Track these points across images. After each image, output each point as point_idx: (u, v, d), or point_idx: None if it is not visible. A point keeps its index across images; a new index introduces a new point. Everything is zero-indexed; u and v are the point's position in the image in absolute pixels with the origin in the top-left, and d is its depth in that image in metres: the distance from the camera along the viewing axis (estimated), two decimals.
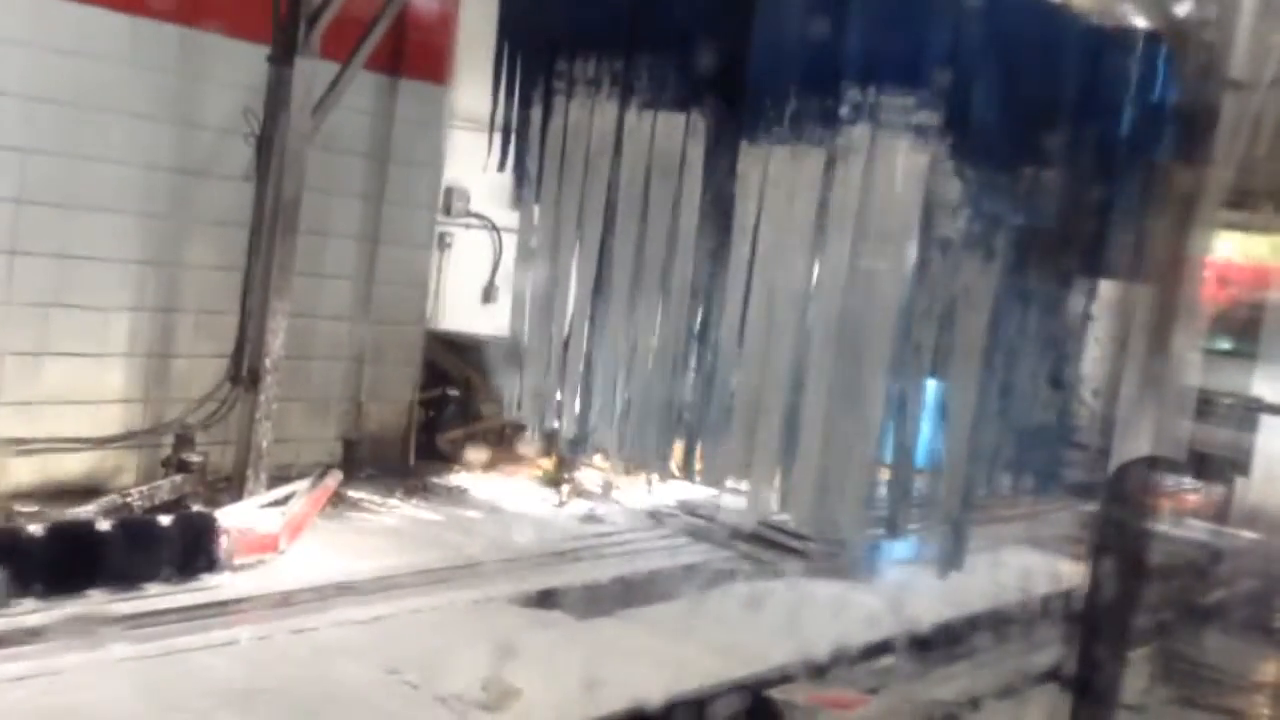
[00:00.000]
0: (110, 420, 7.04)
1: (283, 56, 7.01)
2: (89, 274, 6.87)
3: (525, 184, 7.04)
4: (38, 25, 6.46)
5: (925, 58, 5.51)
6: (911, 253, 5.66)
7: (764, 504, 6.36)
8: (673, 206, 6.38)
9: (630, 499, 8.28)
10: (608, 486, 8.37)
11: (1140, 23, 4.22)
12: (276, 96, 7.03)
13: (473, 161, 8.02)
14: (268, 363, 6.96)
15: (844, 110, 5.74)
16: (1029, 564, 7.04)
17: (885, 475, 5.98)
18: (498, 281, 9.75)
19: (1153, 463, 4.70)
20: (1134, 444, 4.67)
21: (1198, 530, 8.46)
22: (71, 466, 6.84)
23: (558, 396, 6.82)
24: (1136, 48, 5.13)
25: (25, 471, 6.64)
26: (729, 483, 6.44)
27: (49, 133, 6.58)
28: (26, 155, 6.53)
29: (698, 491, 7.96)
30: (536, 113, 6.99)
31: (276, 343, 6.99)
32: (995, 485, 6.06)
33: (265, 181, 7.05)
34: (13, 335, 6.59)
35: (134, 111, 6.95)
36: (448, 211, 9.82)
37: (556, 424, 6.90)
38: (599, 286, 6.67)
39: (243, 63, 7.20)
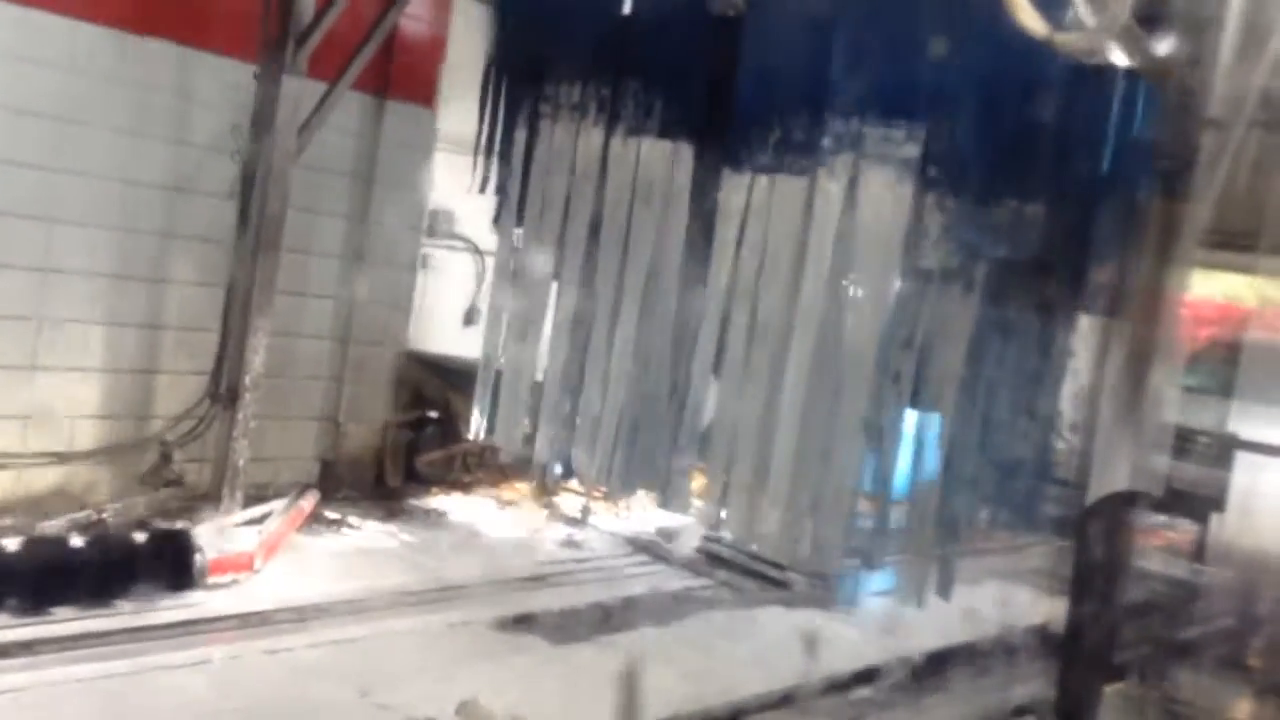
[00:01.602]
0: (87, 435, 6.98)
1: (270, 75, 7.02)
2: (69, 288, 6.84)
3: (507, 207, 7.07)
4: (21, 38, 6.46)
5: (909, 91, 5.56)
6: (892, 283, 5.69)
7: (742, 531, 6.36)
8: (655, 233, 6.41)
9: (609, 524, 8.27)
10: (586, 511, 8.35)
11: (1121, 61, 4.27)
12: (263, 115, 7.04)
13: (457, 184, 8.06)
14: (247, 380, 6.94)
15: (827, 140, 5.80)
16: (1006, 597, 7.05)
17: (864, 506, 5.99)
18: (479, 305, 9.73)
19: (1129, 498, 4.72)
20: (1111, 479, 4.69)
21: (1174, 566, 8.50)
22: (47, 481, 6.78)
23: (531, 421, 6.81)
24: (1117, 86, 5.19)
25: (3, 485, 6.59)
26: (706, 510, 6.42)
27: (31, 146, 6.57)
28: (7, 167, 6.52)
29: (676, 519, 7.97)
30: (521, 136, 7.03)
31: (257, 361, 6.97)
32: (973, 518, 6.07)
33: (249, 199, 7.05)
34: None
35: (118, 127, 6.94)
36: (431, 233, 9.82)
37: (530, 448, 6.89)
38: (578, 311, 6.68)
39: (230, 80, 7.21)
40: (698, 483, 6.52)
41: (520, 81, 7.03)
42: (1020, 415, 5.98)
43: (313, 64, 7.08)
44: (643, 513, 8.19)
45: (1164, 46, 4.07)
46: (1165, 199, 4.05)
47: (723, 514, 6.26)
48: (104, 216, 6.94)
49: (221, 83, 7.25)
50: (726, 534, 6.49)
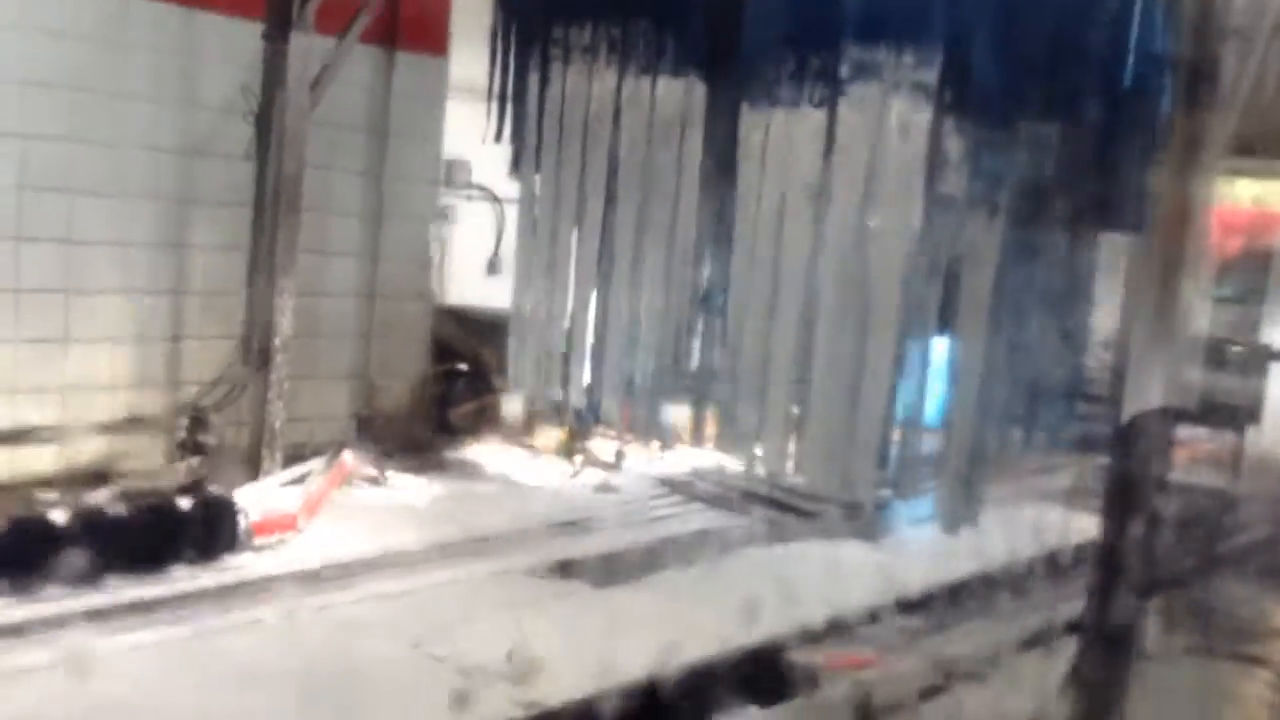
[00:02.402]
0: (124, 405, 7.08)
1: (278, 33, 6.97)
2: (94, 258, 6.89)
3: (524, 154, 7.02)
4: (29, 7, 6.44)
5: (922, 14, 5.46)
6: (915, 211, 5.63)
7: (776, 466, 6.38)
8: (674, 172, 6.36)
9: (643, 467, 8.32)
10: (620, 455, 8.40)
11: None
12: (273, 74, 7.01)
13: (473, 132, 8.00)
14: (277, 342, 6.99)
15: (843, 69, 5.70)
16: (1044, 519, 7.06)
17: (897, 435, 5.99)
18: (502, 253, 9.73)
19: (1163, 413, 4.70)
20: (1144, 395, 4.66)
21: (1211, 479, 8.48)
22: (88, 453, 6.88)
23: (563, 368, 6.83)
24: (1128, 5, 5.09)
25: (43, 459, 6.69)
26: (741, 447, 6.44)
27: (46, 117, 6.58)
28: (26, 141, 6.53)
29: (710, 458, 8.01)
30: (534, 81, 6.94)
31: (285, 322, 7.01)
32: (1007, 442, 6.07)
33: (266, 160, 7.04)
34: (23, 323, 6.62)
35: (130, 93, 6.94)
36: (449, 183, 9.79)
37: (563, 396, 6.91)
38: (602, 255, 6.66)
39: (238, 40, 7.17)
40: (722, 421, 6.51)
41: (529, 26, 6.93)
42: (1050, 336, 5.95)
43: (319, 19, 7.01)
44: (675, 454, 8.22)
45: None
46: (1187, 111, 3.97)
47: (756, 450, 6.28)
48: (123, 185, 6.97)
49: (229, 43, 7.22)
50: (760, 470, 6.51)
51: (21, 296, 6.60)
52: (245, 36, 7.10)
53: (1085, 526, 5.58)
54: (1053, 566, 6.48)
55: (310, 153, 7.13)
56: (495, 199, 9.86)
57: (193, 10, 7.14)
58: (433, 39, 8.53)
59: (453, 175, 9.82)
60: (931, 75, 5.50)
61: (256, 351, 7.00)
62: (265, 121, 7.04)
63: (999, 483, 6.27)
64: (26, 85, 6.49)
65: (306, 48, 7.00)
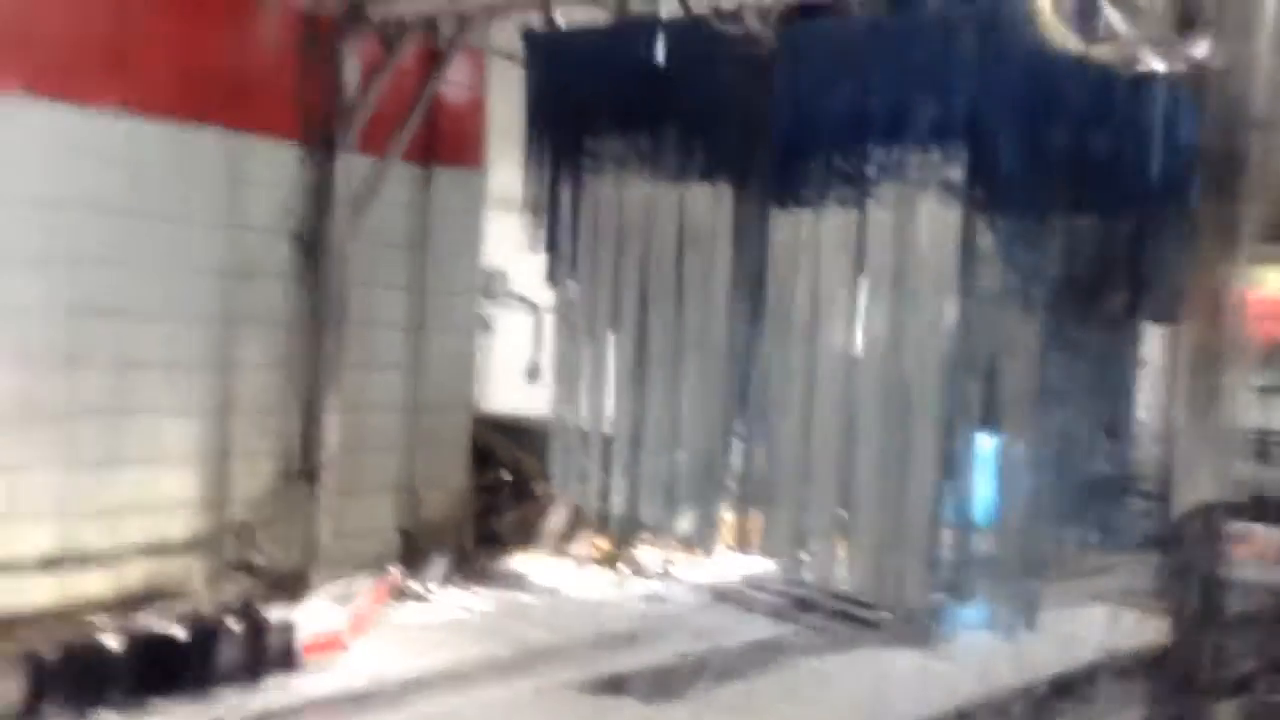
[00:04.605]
0: (174, 525, 7.14)
1: (321, 155, 7.20)
2: (144, 380, 7.01)
3: (560, 262, 7.11)
4: (82, 137, 6.66)
5: (948, 113, 5.49)
6: (950, 307, 5.60)
7: (825, 573, 6.26)
8: (706, 276, 6.40)
9: (691, 575, 8.20)
10: (667, 564, 8.30)
11: (1158, 68, 4.21)
12: (317, 194, 7.22)
13: (511, 243, 8.14)
14: (324, 457, 7.06)
15: (870, 170, 5.74)
16: (1103, 619, 6.85)
17: (947, 536, 5.87)
18: (541, 360, 9.82)
19: (1216, 508, 4.60)
20: (1194, 488, 4.57)
21: (1269, 575, 8.20)
22: (139, 574, 6.93)
23: (603, 475, 6.80)
24: (1158, 94, 5.09)
25: (94, 582, 6.74)
26: (786, 553, 6.34)
27: (99, 243, 6.76)
28: (77, 266, 6.70)
29: (759, 564, 7.89)
30: (567, 192, 7.07)
31: (331, 437, 7.10)
32: (1060, 541, 5.93)
33: (311, 278, 7.21)
34: (75, 446, 6.73)
35: (179, 217, 7.11)
36: (488, 294, 9.94)
37: (604, 503, 6.88)
38: (639, 359, 6.68)
39: (282, 163, 7.38)
40: (767, 526, 6.44)
41: (560, 139, 7.08)
42: (1096, 430, 5.85)
43: (361, 140, 7.23)
44: (723, 561, 8.12)
45: (1201, 51, 4.00)
46: (1215, 201, 3.96)
47: (803, 557, 6.18)
48: (171, 307, 7.12)
49: (271, 165, 7.42)
50: (809, 577, 6.40)
51: (73, 420, 6.73)
52: (288, 159, 7.33)
53: (1145, 626, 5.40)
54: (1113, 670, 6.26)
55: (353, 269, 7.28)
56: (534, 307, 9.99)
57: (238, 135, 7.34)
58: (470, 154, 8.73)
59: (492, 285, 9.99)
60: (958, 172, 5.51)
61: (303, 467, 7.07)
62: (309, 241, 7.23)
63: (1055, 583, 6.09)
64: (77, 211, 6.69)
65: (348, 168, 7.22)
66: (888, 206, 5.72)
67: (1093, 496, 5.82)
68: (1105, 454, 5.79)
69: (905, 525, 5.68)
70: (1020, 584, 5.61)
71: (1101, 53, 4.08)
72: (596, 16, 7.06)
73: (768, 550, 6.45)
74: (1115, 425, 5.80)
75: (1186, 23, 4.09)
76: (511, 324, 10.37)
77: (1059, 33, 3.95)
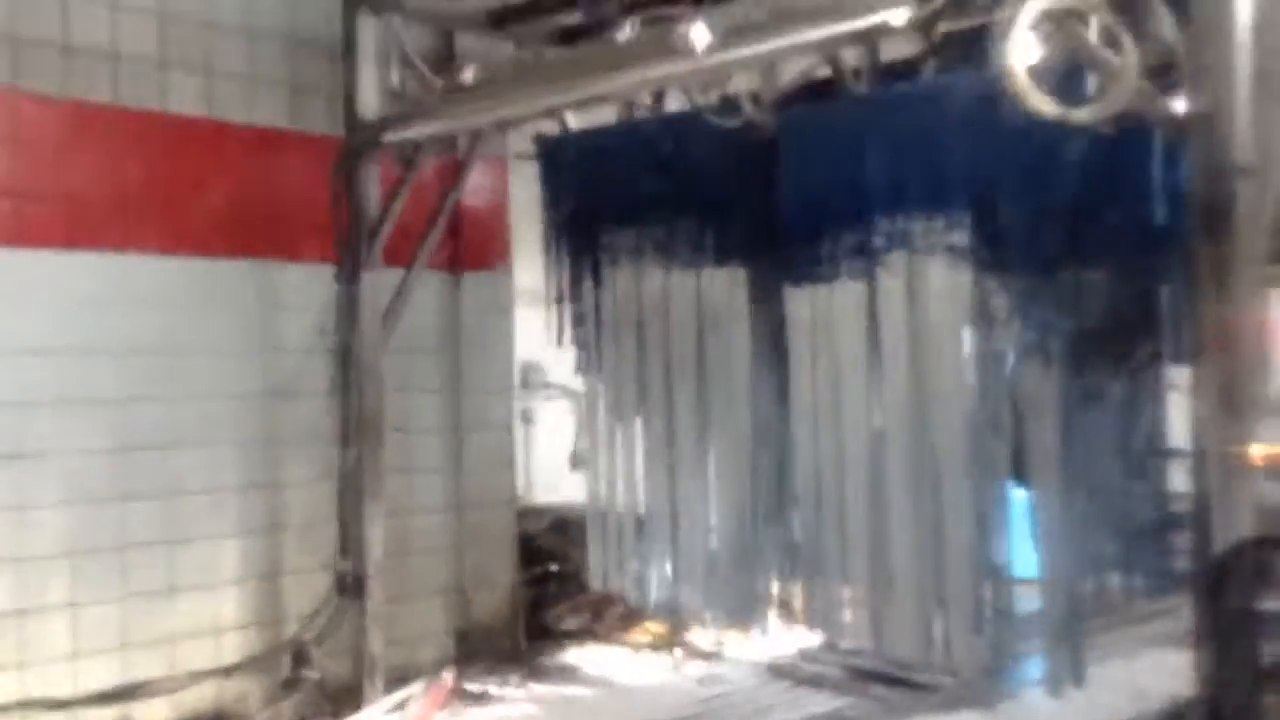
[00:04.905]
0: (230, 648, 7.28)
1: (349, 273, 7.43)
2: (192, 507, 7.21)
3: (586, 354, 7.26)
4: (121, 282, 6.95)
5: (947, 180, 5.60)
6: (969, 367, 5.65)
7: (872, 642, 6.24)
8: (727, 356, 6.51)
9: (745, 653, 8.18)
10: (720, 644, 8.29)
11: (1146, 119, 4.29)
12: (348, 312, 7.43)
13: (543, 335, 8.30)
14: (370, 567, 7.18)
15: (878, 241, 5.85)
16: (1160, 667, 6.73)
17: (989, 594, 5.85)
18: (583, 448, 9.90)
19: (1261, 543, 4.55)
20: (1233, 527, 4.53)
21: None
22: (198, 700, 7.06)
23: (641, 560, 6.86)
24: (1153, 142, 5.17)
25: (154, 711, 6.88)
26: (832, 625, 6.34)
27: (143, 381, 7.02)
28: (124, 405, 6.96)
29: (811, 637, 7.84)
30: (588, 286, 7.25)
31: (377, 547, 7.22)
32: (1106, 589, 5.88)
33: (348, 393, 7.40)
34: (130, 577, 6.92)
35: (218, 349, 7.38)
36: (526, 385, 10.10)
37: (645, 588, 6.92)
38: (668, 443, 6.77)
39: (314, 286, 7.64)
40: (807, 599, 6.44)
41: (577, 235, 7.28)
42: (1131, 476, 5.83)
43: (387, 255, 7.47)
44: (777, 636, 8.07)
45: (1180, 105, 4.08)
46: (1208, 246, 4.01)
47: (847, 627, 6.17)
48: (215, 433, 7.35)
49: (304, 288, 7.68)
50: (855, 646, 6.39)
51: (127, 552, 6.93)
52: (320, 281, 7.58)
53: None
54: (1184, 717, 6.14)
55: (388, 377, 7.48)
56: (572, 396, 10.13)
57: (270, 264, 7.63)
58: (495, 257, 8.95)
59: (529, 378, 10.16)
60: (963, 236, 5.61)
61: (351, 579, 7.20)
62: (344, 357, 7.44)
63: (1106, 633, 6.03)
64: (120, 355, 6.96)
65: (376, 283, 7.44)
66: (898, 275, 5.82)
67: (1134, 542, 5.78)
68: (1142, 498, 5.76)
69: (946, 587, 5.68)
70: (1067, 638, 5.56)
71: (1080, 115, 4.16)
72: (609, 117, 7.30)
73: (811, 623, 6.45)
74: (1149, 469, 5.77)
75: (1162, 75, 4.16)
76: (552, 415, 10.50)
77: (1035, 98, 4.04)
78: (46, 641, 6.59)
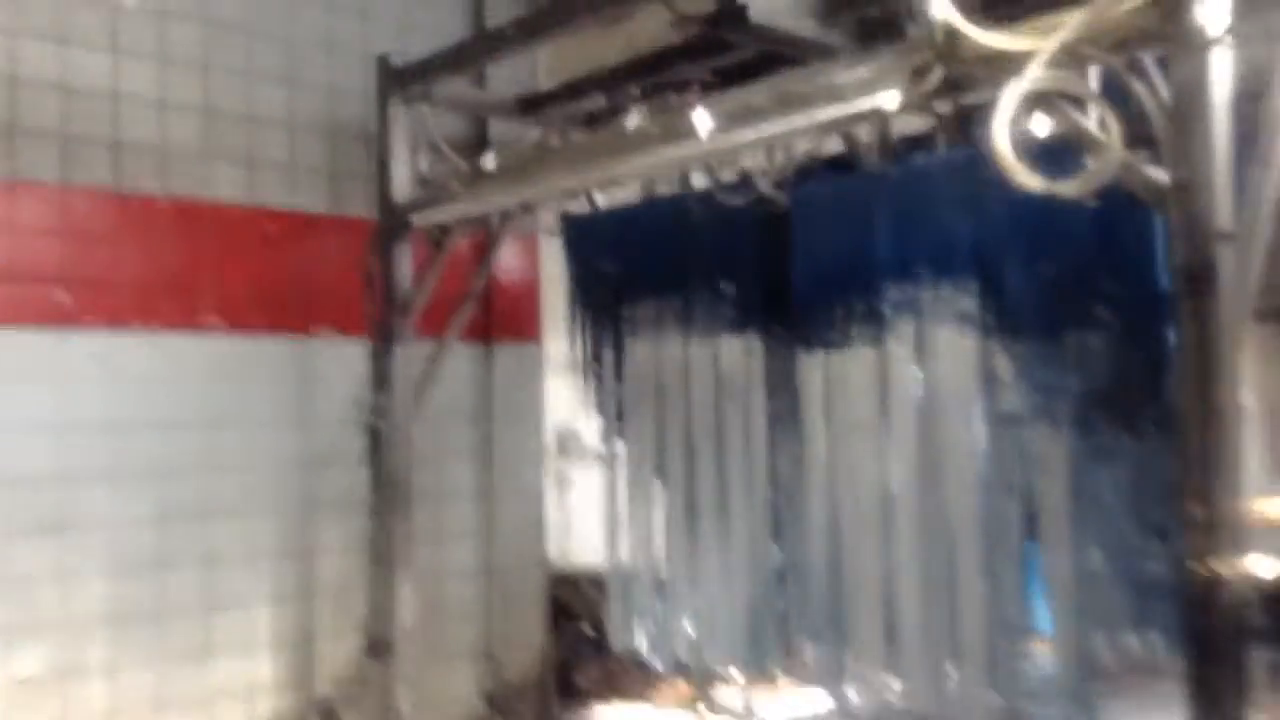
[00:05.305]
0: (265, 708, 7.47)
1: (382, 347, 7.68)
2: (229, 574, 7.46)
3: (609, 422, 7.46)
4: (162, 362, 7.27)
5: (953, 249, 5.79)
6: (978, 431, 5.77)
7: (897, 699, 6.30)
8: (743, 422, 6.68)
9: (775, 711, 8.23)
10: (749, 702, 8.35)
11: (1127, 190, 4.43)
12: (381, 383, 7.68)
13: (576, 402, 8.52)
14: (399, 631, 7.34)
15: (887, 309, 6.03)
16: None
17: (1004, 653, 5.90)
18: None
19: (1248, 605, 4.58)
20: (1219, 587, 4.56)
21: None
22: None
23: (663, 622, 6.97)
24: (1148, 212, 5.31)
25: None
26: (848, 684, 6.40)
27: (182, 454, 7.31)
28: (166, 478, 7.25)
29: (842, 694, 7.85)
30: (610, 356, 7.48)
31: (406, 611, 7.38)
32: (1122, 647, 5.91)
33: (379, 463, 7.62)
34: (168, 642, 7.16)
35: (256, 420, 7.66)
36: (563, 451, 10.28)
37: (668, 650, 7.02)
38: (688, 508, 6.93)
39: (348, 358, 7.91)
40: (823, 659, 6.51)
41: (600, 308, 7.55)
42: (1145, 533, 5.87)
43: (420, 326, 7.72)
44: (806, 693, 8.12)
45: (1160, 175, 4.23)
46: (1192, 313, 4.12)
47: (867, 686, 6.24)
48: (251, 503, 7.60)
49: (339, 361, 7.96)
50: (893, 700, 6.44)
51: (165, 618, 7.17)
52: (355, 355, 7.84)
53: None
54: None
55: (422, 445, 7.69)
56: (605, 461, 10.27)
57: (306, 339, 7.92)
58: (526, 329, 9.19)
59: (564, 444, 10.34)
60: (970, 303, 5.78)
61: (380, 643, 7.36)
62: (377, 428, 7.67)
63: (1126, 691, 6.03)
64: (165, 428, 7.25)
65: (409, 355, 7.68)
66: (906, 342, 5.99)
67: (1150, 599, 5.81)
68: (1158, 555, 5.80)
69: (961, 646, 5.75)
70: (1081, 695, 5.59)
71: (1066, 189, 4.32)
72: (634, 195, 7.58)
73: (825, 683, 6.52)
74: (1164, 526, 5.81)
75: (1141, 146, 4.32)
76: (588, 480, 10.63)
77: (1021, 175, 4.21)
78: (87, 703, 6.83)
